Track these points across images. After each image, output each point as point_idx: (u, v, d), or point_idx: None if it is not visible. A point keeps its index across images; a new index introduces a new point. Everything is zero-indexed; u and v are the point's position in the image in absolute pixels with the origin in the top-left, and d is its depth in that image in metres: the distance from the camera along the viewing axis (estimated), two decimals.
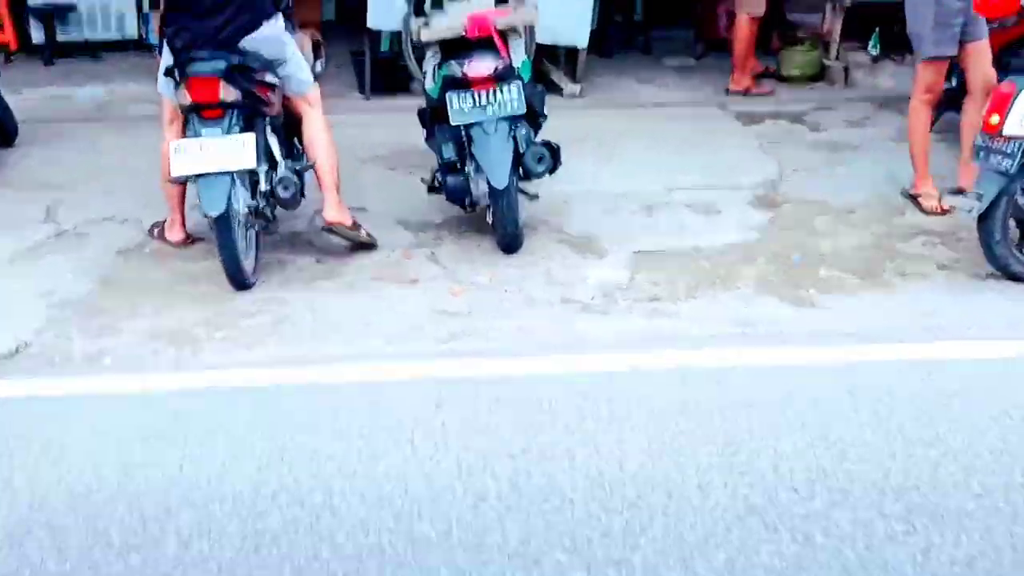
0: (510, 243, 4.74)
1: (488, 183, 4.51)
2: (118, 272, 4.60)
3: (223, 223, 4.08)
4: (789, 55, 7.72)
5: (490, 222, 4.73)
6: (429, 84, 4.80)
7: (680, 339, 3.91)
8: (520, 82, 4.57)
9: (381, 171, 5.86)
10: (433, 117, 4.86)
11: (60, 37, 8.38)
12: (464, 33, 4.54)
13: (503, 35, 4.63)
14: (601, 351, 3.83)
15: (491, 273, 4.60)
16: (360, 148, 6.11)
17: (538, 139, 4.78)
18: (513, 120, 4.57)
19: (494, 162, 4.48)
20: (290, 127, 4.70)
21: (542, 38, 6.65)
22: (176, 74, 4.18)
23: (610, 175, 5.76)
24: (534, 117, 4.87)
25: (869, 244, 4.86)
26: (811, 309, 4.25)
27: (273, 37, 4.37)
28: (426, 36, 4.65)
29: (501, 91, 4.53)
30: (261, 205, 4.35)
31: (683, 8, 9.21)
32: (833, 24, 7.72)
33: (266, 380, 3.61)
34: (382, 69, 7.34)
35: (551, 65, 7.48)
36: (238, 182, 4.19)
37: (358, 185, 5.44)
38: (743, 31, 7.20)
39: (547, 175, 4.66)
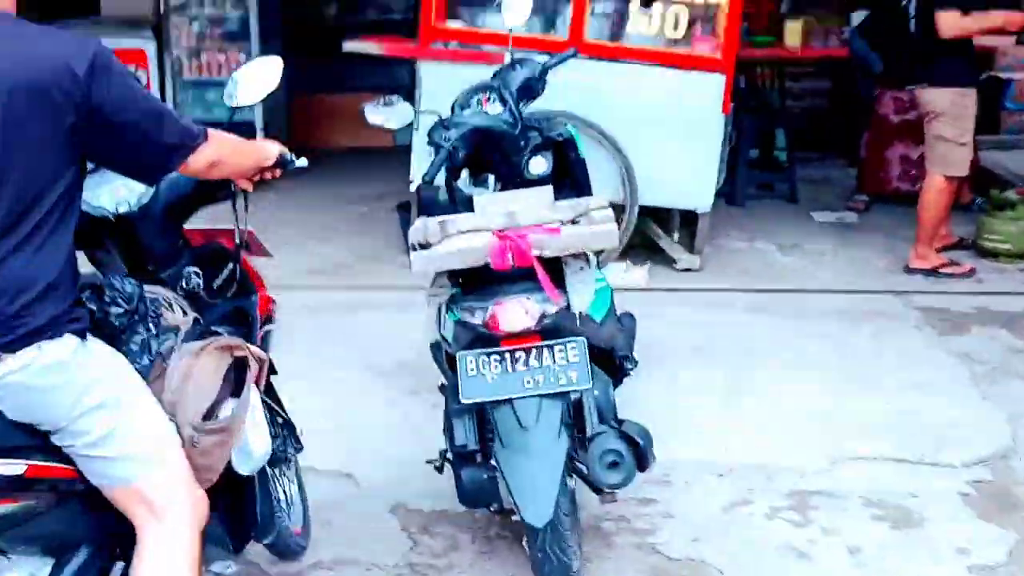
0: None
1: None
2: None
3: None
4: (992, 221, 5.59)
5: (526, 549, 2.76)
6: (433, 334, 2.90)
7: None
8: (584, 339, 2.63)
9: (396, 397, 3.97)
10: (452, 362, 2.96)
11: None
12: (488, 262, 2.66)
13: (555, 261, 2.71)
14: None
15: None
16: (383, 351, 4.33)
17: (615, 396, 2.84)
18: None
19: (528, 484, 2.50)
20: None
21: (651, 200, 4.89)
22: None
23: (738, 428, 3.74)
24: (613, 363, 2.94)
25: None
26: None
27: (22, 385, 1.86)
28: (420, 267, 2.75)
29: (552, 352, 2.60)
30: None
31: (839, 142, 7.30)
32: None
33: None
34: None
35: (660, 229, 5.51)
36: None
37: (356, 424, 3.63)
38: (937, 196, 5.12)
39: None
